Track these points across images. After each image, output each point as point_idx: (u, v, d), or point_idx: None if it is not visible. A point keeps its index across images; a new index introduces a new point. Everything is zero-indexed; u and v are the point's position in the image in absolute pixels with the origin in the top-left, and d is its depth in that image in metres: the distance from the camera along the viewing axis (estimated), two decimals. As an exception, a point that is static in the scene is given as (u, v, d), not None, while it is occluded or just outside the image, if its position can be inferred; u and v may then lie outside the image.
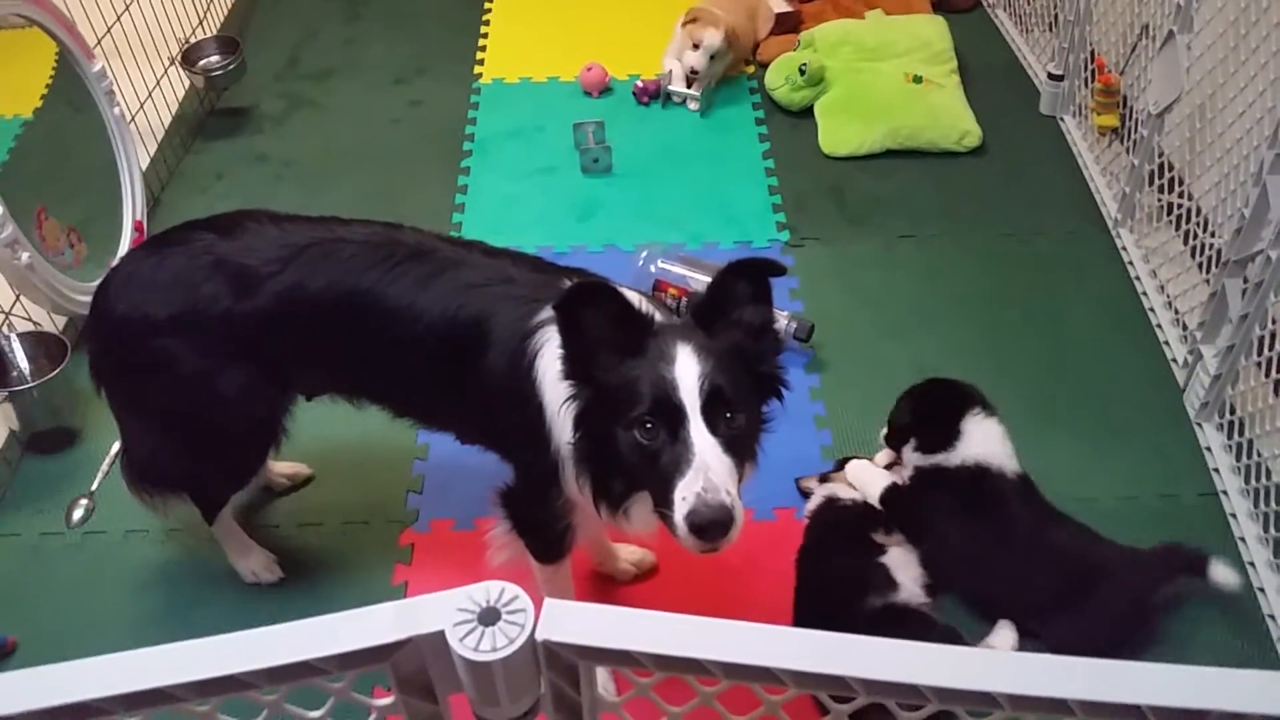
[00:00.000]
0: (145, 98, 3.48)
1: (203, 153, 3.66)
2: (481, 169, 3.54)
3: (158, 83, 3.57)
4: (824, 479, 2.43)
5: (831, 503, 2.34)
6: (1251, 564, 2.31)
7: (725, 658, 0.89)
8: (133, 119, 3.30)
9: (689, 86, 3.73)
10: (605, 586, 2.31)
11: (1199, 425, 2.62)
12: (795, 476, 2.49)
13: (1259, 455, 2.38)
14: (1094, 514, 2.35)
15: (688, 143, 3.65)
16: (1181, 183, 2.88)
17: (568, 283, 1.69)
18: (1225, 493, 2.46)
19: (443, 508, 2.48)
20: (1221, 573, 2.16)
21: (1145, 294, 3.00)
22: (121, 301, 1.91)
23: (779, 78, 3.72)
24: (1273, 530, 2.27)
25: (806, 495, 2.44)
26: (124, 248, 3.07)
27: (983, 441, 2.25)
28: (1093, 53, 3.41)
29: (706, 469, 1.43)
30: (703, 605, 2.26)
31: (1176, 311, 2.85)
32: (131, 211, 3.14)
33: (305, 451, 2.46)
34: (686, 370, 1.49)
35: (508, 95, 3.89)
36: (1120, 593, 2.13)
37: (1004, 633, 2.14)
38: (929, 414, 2.32)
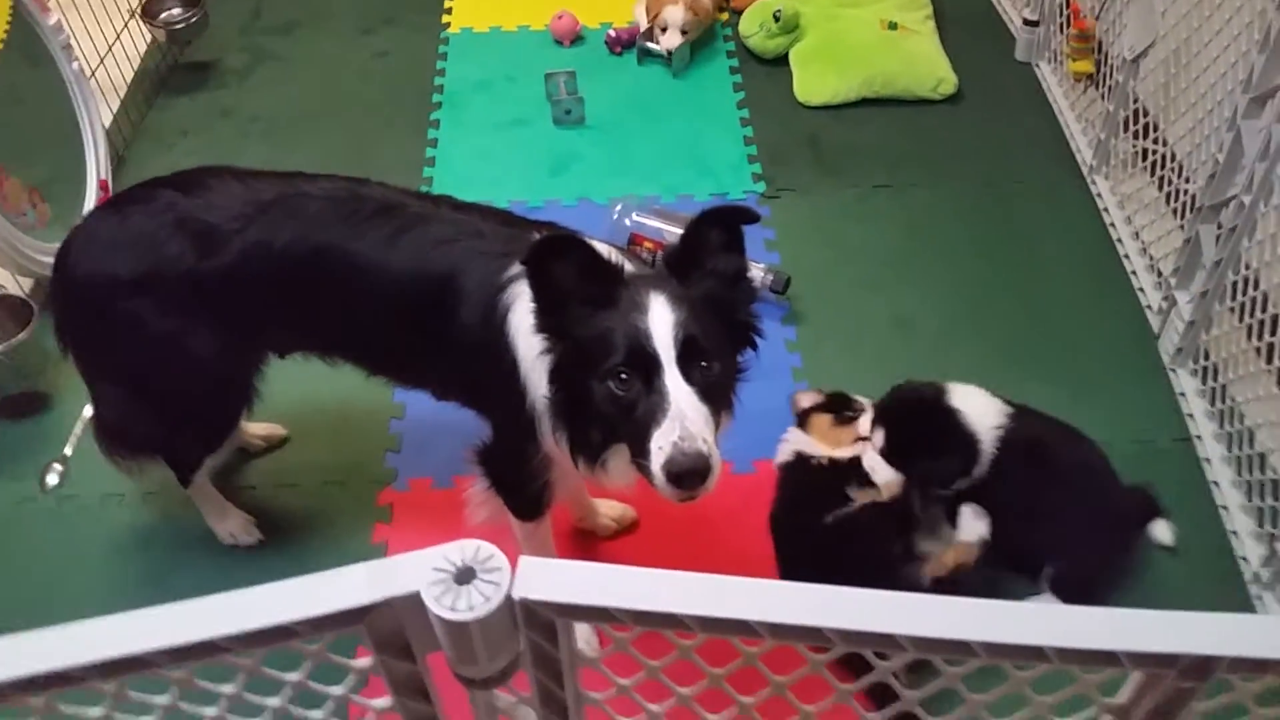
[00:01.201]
0: (105, 52, 3.40)
1: (167, 109, 3.58)
2: (451, 121, 3.49)
3: (118, 36, 3.49)
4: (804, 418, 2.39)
5: (804, 460, 2.32)
6: (1224, 507, 2.34)
7: (701, 611, 0.89)
8: (93, 74, 3.22)
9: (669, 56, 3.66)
10: (586, 542, 2.32)
11: (1173, 371, 2.64)
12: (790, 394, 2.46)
13: (1232, 400, 2.40)
14: (1069, 460, 2.38)
15: (661, 93, 3.60)
16: (1156, 128, 2.87)
17: (538, 236, 1.67)
18: (1199, 437, 2.48)
19: (421, 466, 2.47)
20: (1160, 530, 2.25)
21: (1120, 240, 3.00)
22: (84, 262, 1.87)
23: (753, 25, 3.67)
24: (1245, 474, 2.30)
25: (793, 410, 2.40)
26: (89, 207, 3.01)
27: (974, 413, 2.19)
28: (1068, -3, 3.38)
29: (683, 418, 1.43)
30: (683, 559, 2.27)
31: (1151, 258, 2.86)
32: (96, 170, 3.08)
33: (281, 412, 2.44)
34: (660, 319, 1.48)
35: (477, 45, 3.83)
36: (1109, 530, 2.17)
37: (973, 522, 2.16)
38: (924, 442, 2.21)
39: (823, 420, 2.33)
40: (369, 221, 1.78)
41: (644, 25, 3.67)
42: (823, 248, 3.02)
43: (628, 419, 1.49)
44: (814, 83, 3.53)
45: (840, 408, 2.34)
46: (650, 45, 3.67)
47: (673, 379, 1.46)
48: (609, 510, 2.31)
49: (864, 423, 2.27)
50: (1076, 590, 2.11)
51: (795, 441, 2.32)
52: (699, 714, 1.07)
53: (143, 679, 0.94)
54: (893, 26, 3.63)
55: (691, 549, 2.29)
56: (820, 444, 2.30)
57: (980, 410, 2.17)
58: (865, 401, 2.35)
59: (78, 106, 3.06)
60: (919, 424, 2.17)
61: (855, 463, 2.20)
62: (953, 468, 2.16)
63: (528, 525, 1.95)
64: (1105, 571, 2.19)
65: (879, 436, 2.17)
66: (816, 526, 2.13)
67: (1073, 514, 2.14)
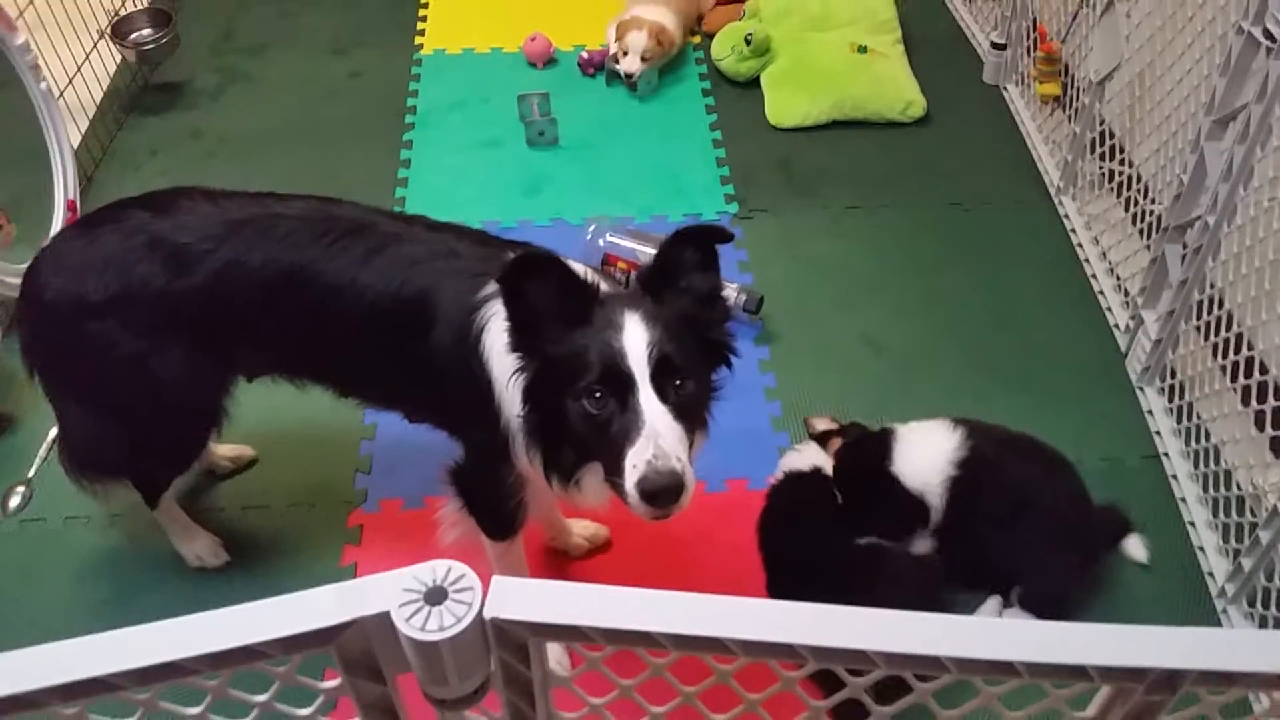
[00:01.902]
0: (74, 73, 3.38)
1: (136, 129, 3.56)
2: (424, 142, 3.49)
3: (86, 57, 3.47)
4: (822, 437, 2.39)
5: (798, 478, 2.32)
6: (1192, 524, 2.36)
7: (673, 629, 0.88)
8: (61, 95, 3.19)
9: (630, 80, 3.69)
10: (558, 562, 2.31)
11: (1140, 389, 2.67)
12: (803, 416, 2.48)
13: (1199, 418, 2.43)
14: (1038, 478, 2.40)
15: (634, 115, 3.62)
16: (1122, 150, 2.92)
17: (513, 255, 1.67)
18: (1167, 455, 2.51)
19: (392, 487, 2.45)
20: (1134, 546, 2.27)
21: (1088, 260, 3.04)
22: (52, 283, 1.84)
23: (725, 48, 3.70)
24: (1211, 490, 2.33)
25: (809, 431, 2.41)
26: (57, 228, 2.98)
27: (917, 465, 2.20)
28: (1035, 21, 3.43)
29: (657, 436, 1.43)
30: (656, 578, 2.27)
31: (1118, 278, 2.90)
32: (64, 190, 3.05)
33: (249, 433, 2.41)
34: (634, 338, 1.48)
35: (450, 66, 3.83)
36: (1079, 548, 2.19)
37: (991, 604, 2.21)
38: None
39: (838, 445, 2.33)
40: (342, 242, 1.77)
41: (613, 48, 3.70)
42: (795, 268, 3.04)
43: (602, 437, 1.49)
44: (785, 105, 3.56)
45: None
46: (615, 67, 3.70)
47: (647, 397, 1.46)
48: (581, 530, 2.31)
49: None
50: (1046, 608, 2.12)
51: (810, 456, 2.31)
52: (672, 733, 1.06)
53: (107, 702, 0.92)
54: (862, 50, 3.67)
55: (664, 568, 2.29)
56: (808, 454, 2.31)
57: (926, 465, 2.18)
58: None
59: (45, 127, 3.03)
60: (863, 490, 2.20)
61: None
62: (897, 530, 2.19)
63: (500, 545, 1.94)
64: (1075, 590, 2.21)
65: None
66: (833, 544, 2.15)
67: (1042, 536, 2.15)
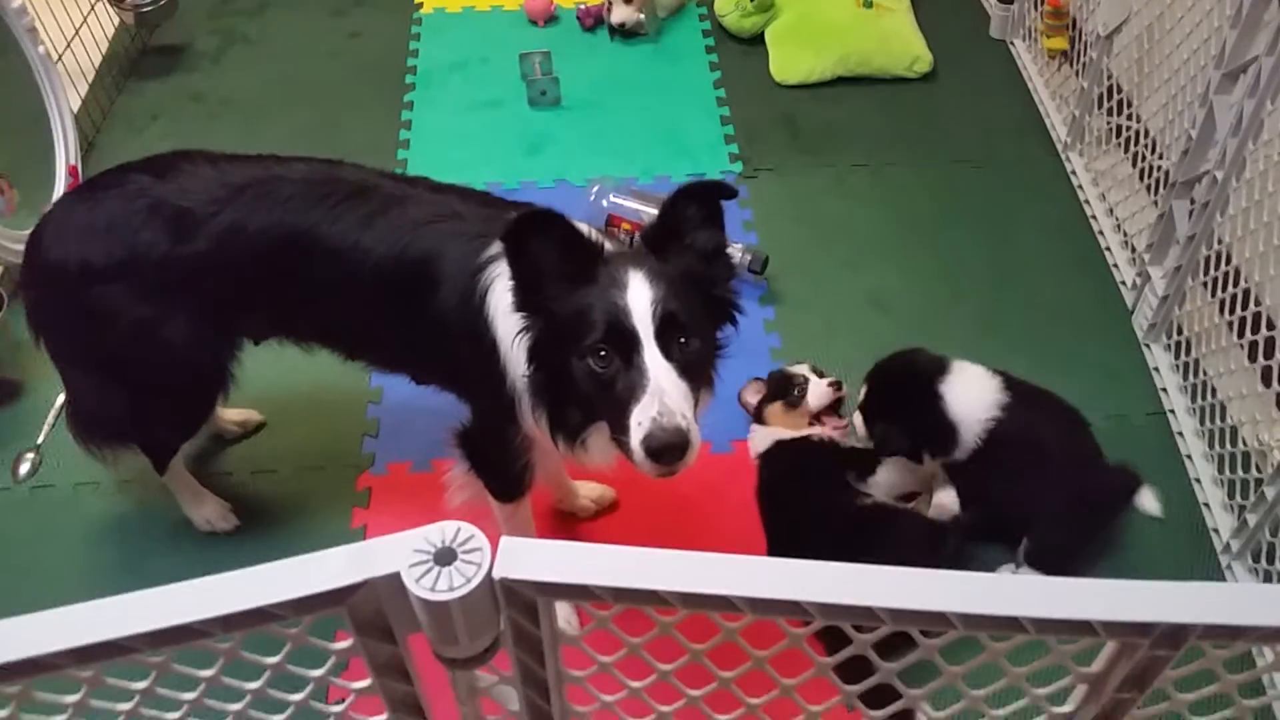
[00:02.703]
0: (72, 36, 3.35)
1: (136, 93, 3.54)
2: (425, 103, 3.46)
3: (84, 20, 3.43)
4: (759, 414, 2.42)
5: (787, 444, 2.34)
6: (1197, 480, 2.36)
7: (681, 587, 0.89)
8: (59, 59, 3.17)
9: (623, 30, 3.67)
10: (566, 524, 2.32)
11: (1147, 346, 2.67)
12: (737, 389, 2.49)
13: (1204, 374, 2.43)
14: (1045, 436, 2.40)
15: (637, 73, 3.59)
16: (1130, 105, 2.89)
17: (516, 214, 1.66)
18: (1173, 411, 2.51)
19: (399, 450, 2.46)
20: (1147, 500, 2.26)
21: (1095, 217, 3.02)
22: (56, 249, 1.84)
23: (729, 4, 3.66)
24: (1217, 447, 2.33)
25: (746, 410, 2.46)
26: (58, 193, 2.97)
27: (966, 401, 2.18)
28: (1042, -26, 3.39)
29: (662, 393, 1.43)
30: (663, 538, 2.28)
31: (1125, 234, 2.88)
32: (64, 155, 3.04)
33: (257, 397, 2.42)
34: (639, 296, 1.48)
35: (450, 25, 3.79)
36: (1090, 505, 2.20)
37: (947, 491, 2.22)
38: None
39: (775, 409, 2.38)
40: (345, 204, 1.76)
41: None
42: (800, 227, 3.02)
43: (607, 396, 1.49)
44: (790, 62, 3.52)
45: (784, 391, 2.38)
46: (609, 21, 3.67)
47: (651, 355, 1.46)
48: (588, 491, 2.32)
49: (812, 395, 2.33)
50: (1053, 563, 2.13)
51: (764, 435, 2.36)
52: (680, 689, 1.07)
53: (119, 665, 0.93)
54: (868, 5, 3.62)
55: (670, 528, 2.30)
56: (785, 430, 2.33)
57: (974, 400, 2.16)
58: (803, 369, 2.42)
59: (45, 91, 3.01)
60: (903, 398, 2.19)
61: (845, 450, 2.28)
62: (917, 448, 2.18)
63: (508, 507, 1.95)
64: (1081, 545, 2.22)
65: (863, 391, 2.23)
66: (827, 505, 2.18)
67: (1057, 489, 2.16)
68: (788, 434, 2.33)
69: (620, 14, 3.61)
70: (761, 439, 2.37)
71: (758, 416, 2.41)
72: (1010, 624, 0.87)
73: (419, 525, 0.94)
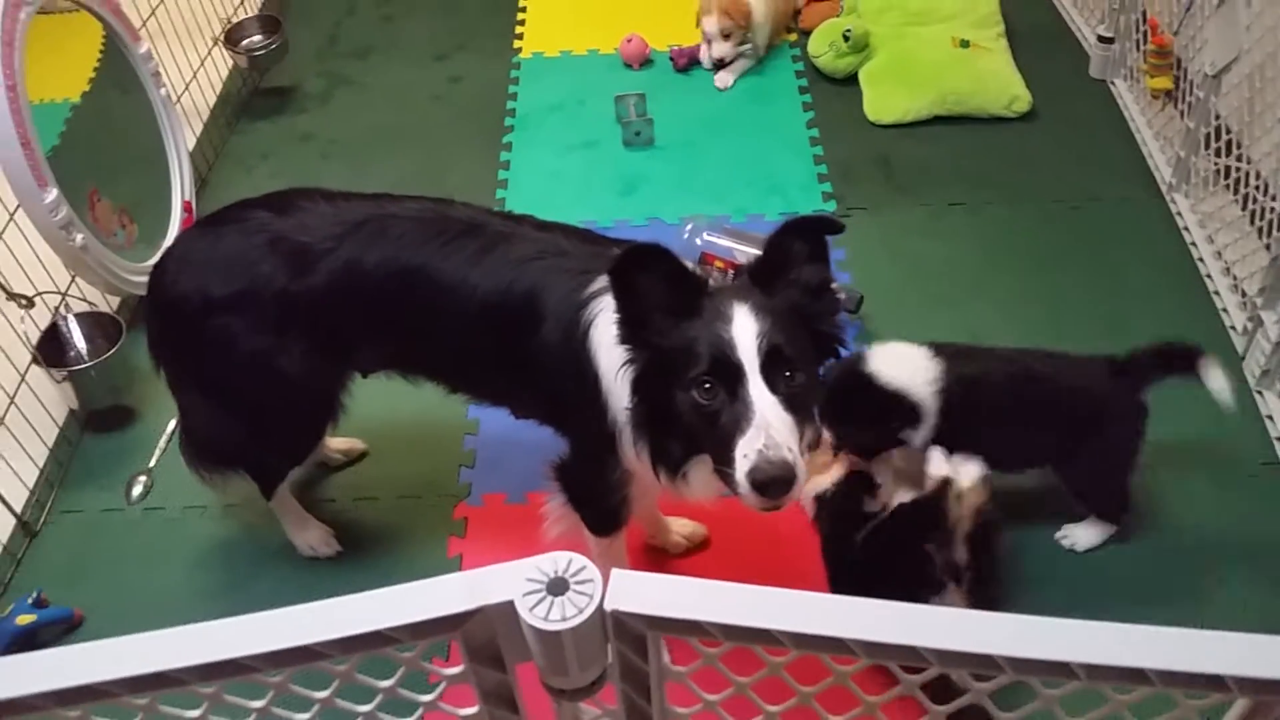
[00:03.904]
0: (190, 78, 3.51)
1: (247, 132, 3.69)
2: (523, 144, 3.54)
3: (201, 63, 3.60)
4: None
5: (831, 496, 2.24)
6: (1315, 533, 2.26)
7: (796, 628, 0.89)
8: (178, 100, 3.33)
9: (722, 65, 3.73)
10: (657, 559, 2.32)
11: (1259, 393, 2.57)
12: None
13: (1322, 423, 2.33)
14: (1152, 485, 2.33)
15: (731, 113, 3.61)
16: (1239, 146, 2.81)
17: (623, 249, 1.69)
18: (1287, 461, 2.41)
19: (494, 482, 2.49)
20: (1214, 376, 2.17)
21: (1202, 260, 2.93)
22: (179, 280, 1.93)
23: (822, 45, 3.67)
24: (1337, 499, 2.23)
25: None
26: (174, 228, 3.10)
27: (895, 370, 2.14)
28: (1144, 13, 3.33)
29: (768, 426, 1.42)
30: (753, 577, 2.24)
31: (1235, 278, 2.79)
32: (180, 192, 3.17)
33: (358, 427, 2.47)
34: (744, 329, 1.48)
35: (548, 69, 3.88)
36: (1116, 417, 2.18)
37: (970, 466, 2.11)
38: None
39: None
40: (455, 241, 1.81)
41: (702, 46, 3.75)
42: (895, 266, 3.00)
43: (712, 428, 1.49)
44: (885, 101, 3.52)
45: None
46: (705, 64, 3.74)
47: (757, 388, 1.46)
48: (680, 528, 2.31)
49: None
50: (1101, 499, 2.15)
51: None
52: (786, 731, 1.06)
53: (240, 683, 0.96)
54: (965, 44, 3.60)
55: (761, 568, 2.28)
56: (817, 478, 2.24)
57: (903, 368, 2.12)
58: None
59: (164, 130, 3.16)
60: (838, 395, 2.12)
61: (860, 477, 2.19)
62: (864, 436, 2.14)
63: (603, 540, 1.96)
64: (1123, 467, 2.20)
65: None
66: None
67: (1050, 429, 2.17)
68: (823, 482, 2.27)
69: (718, 50, 3.66)
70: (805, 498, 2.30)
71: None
72: (1135, 676, 0.85)
73: (513, 556, 0.95)
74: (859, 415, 2.13)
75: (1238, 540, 2.27)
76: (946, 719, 1.00)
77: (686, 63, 3.78)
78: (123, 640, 0.93)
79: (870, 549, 2.03)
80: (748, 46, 3.73)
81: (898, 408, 2.09)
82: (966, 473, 1.99)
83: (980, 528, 1.96)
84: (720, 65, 3.71)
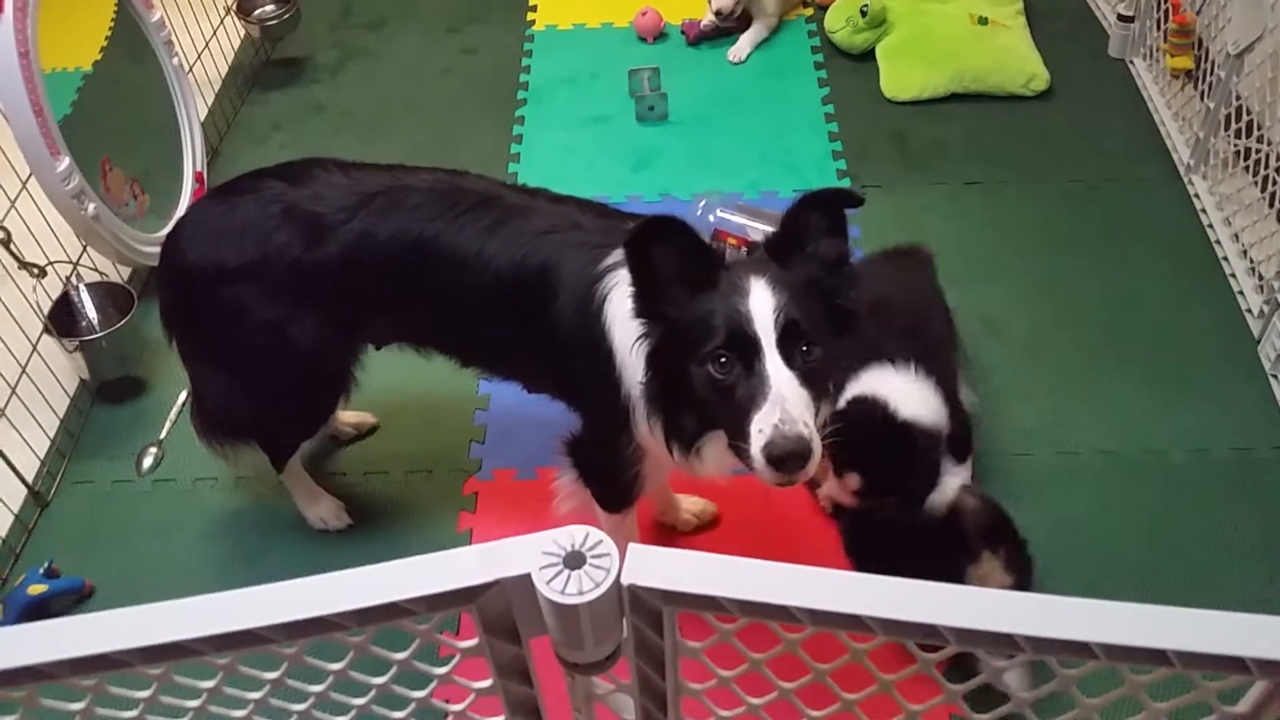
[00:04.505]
0: (202, 48, 3.50)
1: (259, 103, 3.67)
2: (536, 117, 3.52)
3: (214, 32, 3.58)
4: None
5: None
6: (1328, 518, 2.25)
7: (814, 604, 0.88)
8: (190, 69, 3.31)
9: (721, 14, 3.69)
10: (665, 536, 2.32)
11: (1274, 377, 2.55)
12: None
13: (1339, 407, 2.32)
14: (1164, 466, 2.32)
15: (745, 89, 3.58)
16: (1259, 127, 2.78)
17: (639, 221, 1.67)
18: (1302, 445, 2.40)
19: (504, 457, 2.49)
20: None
21: (1218, 242, 2.91)
22: (193, 249, 1.92)
23: (839, 20, 3.63)
24: (1352, 484, 2.22)
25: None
26: (185, 198, 3.09)
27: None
28: (1167, -8, 3.29)
29: (783, 401, 1.41)
30: (763, 555, 2.25)
31: (1251, 260, 2.77)
32: (192, 162, 3.16)
33: (369, 401, 2.47)
34: (761, 302, 1.47)
35: (561, 42, 3.85)
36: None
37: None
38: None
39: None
40: (469, 213, 1.80)
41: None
42: (909, 245, 2.98)
43: (727, 402, 1.47)
44: (901, 78, 3.48)
45: None
46: (711, 19, 3.69)
47: (773, 362, 1.45)
48: (690, 505, 2.31)
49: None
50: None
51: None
52: (800, 709, 1.06)
53: (254, 654, 0.96)
54: (983, 21, 3.56)
55: (770, 546, 2.28)
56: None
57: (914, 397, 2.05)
58: None
59: (177, 100, 3.14)
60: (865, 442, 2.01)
61: None
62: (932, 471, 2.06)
63: (615, 517, 1.96)
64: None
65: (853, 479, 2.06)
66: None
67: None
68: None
69: (721, 2, 3.62)
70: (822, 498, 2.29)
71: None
72: (1155, 656, 0.84)
73: (523, 531, 0.95)
74: (907, 464, 2.03)
75: (1254, 525, 2.26)
76: (963, 698, 0.99)
77: (696, 35, 3.74)
78: (141, 609, 0.93)
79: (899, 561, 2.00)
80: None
81: (935, 441, 2.03)
82: (949, 485, 2.01)
83: (987, 526, 1.96)
84: (720, 14, 3.65)
